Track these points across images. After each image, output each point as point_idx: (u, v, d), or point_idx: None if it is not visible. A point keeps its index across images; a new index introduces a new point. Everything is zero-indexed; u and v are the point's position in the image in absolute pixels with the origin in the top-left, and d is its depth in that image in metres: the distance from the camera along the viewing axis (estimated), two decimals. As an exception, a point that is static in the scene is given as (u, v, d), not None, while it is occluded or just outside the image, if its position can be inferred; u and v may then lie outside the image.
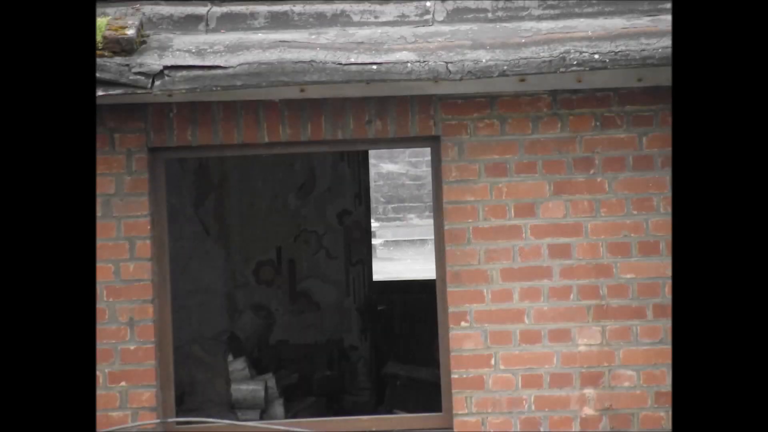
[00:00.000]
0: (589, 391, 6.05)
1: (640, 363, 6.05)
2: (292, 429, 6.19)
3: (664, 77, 5.73)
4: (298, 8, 6.08)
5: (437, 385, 6.30)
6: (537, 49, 5.59)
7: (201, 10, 6.07)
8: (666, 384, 6.02)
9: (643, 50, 5.55)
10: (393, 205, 21.26)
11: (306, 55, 5.58)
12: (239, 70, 5.54)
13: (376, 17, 6.06)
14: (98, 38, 5.52)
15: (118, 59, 5.54)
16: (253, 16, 6.06)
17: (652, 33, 5.64)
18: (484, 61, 5.57)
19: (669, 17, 5.72)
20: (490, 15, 6.05)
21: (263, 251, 10.43)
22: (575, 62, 5.55)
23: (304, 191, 10.53)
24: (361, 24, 6.04)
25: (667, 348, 5.99)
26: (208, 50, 5.64)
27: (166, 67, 5.54)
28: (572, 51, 5.57)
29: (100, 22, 5.66)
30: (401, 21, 6.05)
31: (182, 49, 5.66)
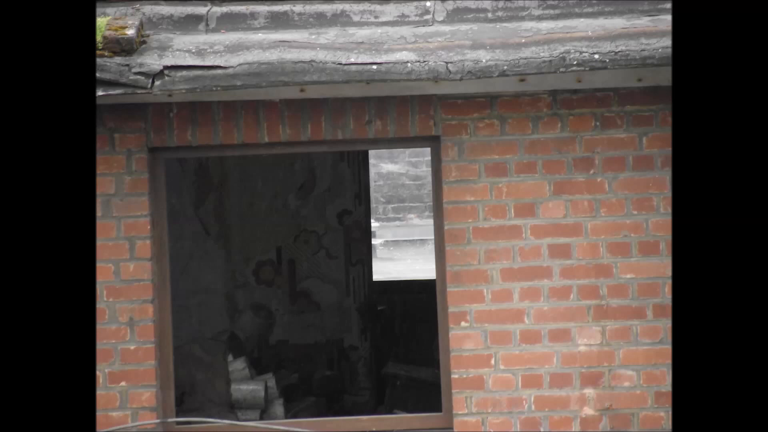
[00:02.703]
0: (589, 391, 6.05)
1: (640, 363, 6.05)
2: (292, 429, 6.19)
3: (664, 77, 5.74)
4: (298, 8, 6.08)
5: (437, 385, 6.30)
6: (537, 49, 5.59)
7: (201, 10, 6.08)
8: (666, 384, 6.02)
9: (643, 50, 5.55)
10: (393, 205, 21.27)
11: (306, 55, 5.58)
12: (239, 70, 5.54)
13: (376, 17, 6.07)
14: (98, 38, 5.52)
15: (118, 59, 5.54)
16: (253, 16, 6.07)
17: (652, 33, 5.64)
18: (484, 61, 5.57)
19: (669, 17, 5.72)
20: (490, 15, 6.05)
21: (263, 251, 10.42)
22: (575, 62, 5.56)
23: (304, 191, 10.53)
24: (361, 24, 6.04)
25: (667, 348, 5.99)
26: (208, 50, 5.64)
27: (166, 67, 5.55)
28: (572, 51, 5.57)
29: (100, 22, 5.66)
30: (401, 21, 6.05)
31: (182, 49, 5.66)
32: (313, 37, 5.83)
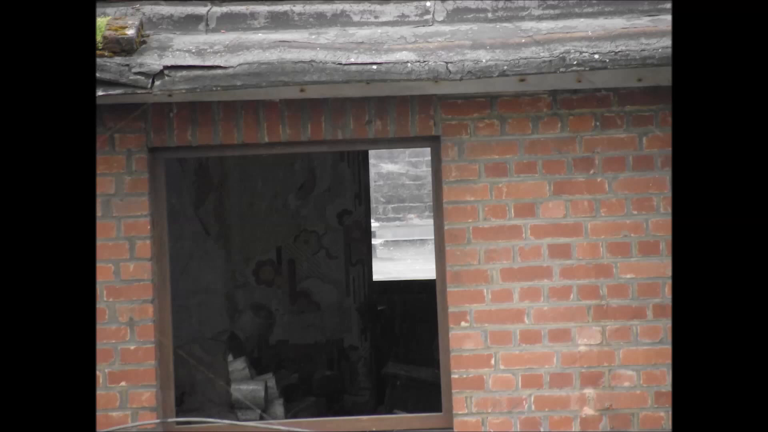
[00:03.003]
0: (589, 391, 6.05)
1: (640, 363, 6.05)
2: (292, 429, 6.19)
3: (664, 77, 5.74)
4: (298, 8, 6.08)
5: (437, 385, 6.30)
6: (537, 49, 5.59)
7: (201, 10, 6.08)
8: (666, 384, 6.02)
9: (643, 50, 5.55)
10: (393, 205, 21.27)
11: (306, 55, 5.58)
12: (239, 70, 5.54)
13: (376, 17, 6.07)
14: (98, 38, 5.52)
15: (118, 59, 5.54)
16: (253, 16, 6.07)
17: (652, 33, 5.64)
18: (484, 61, 5.57)
19: (669, 17, 5.72)
20: (490, 15, 6.05)
21: (263, 251, 10.43)
22: (575, 62, 5.55)
23: (304, 191, 10.54)
24: (361, 24, 6.04)
25: (667, 348, 5.99)
26: (208, 50, 5.64)
27: (166, 67, 5.54)
28: (572, 51, 5.57)
29: (100, 22, 5.66)
30: (401, 21, 6.05)
31: (182, 49, 5.66)
32: (313, 37, 5.83)
